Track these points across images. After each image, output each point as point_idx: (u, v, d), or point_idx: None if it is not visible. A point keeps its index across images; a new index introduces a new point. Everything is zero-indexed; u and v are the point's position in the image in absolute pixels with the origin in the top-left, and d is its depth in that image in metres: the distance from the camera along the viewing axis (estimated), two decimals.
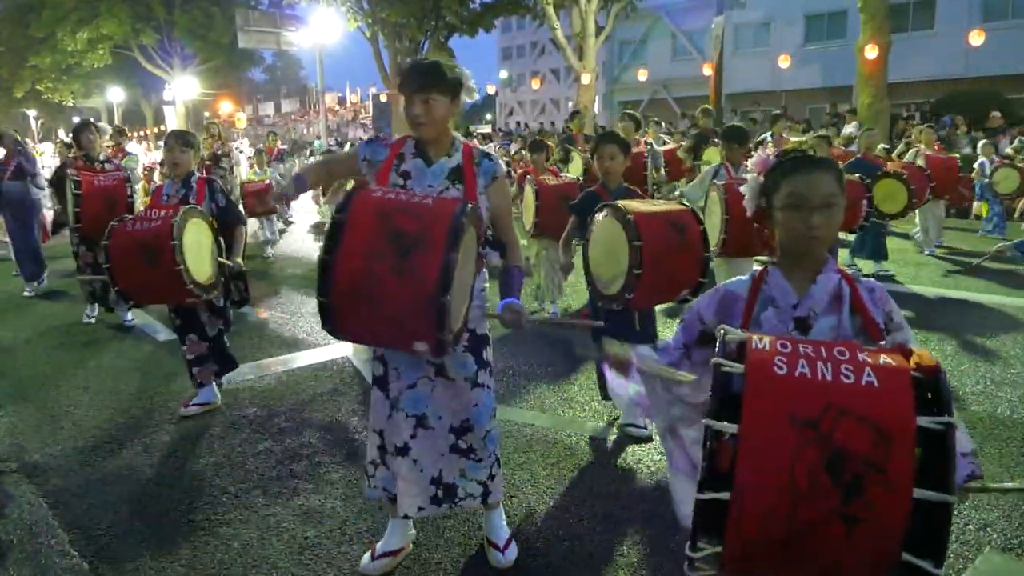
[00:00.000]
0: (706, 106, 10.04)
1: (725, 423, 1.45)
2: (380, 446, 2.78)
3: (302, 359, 5.68)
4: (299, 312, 7.22)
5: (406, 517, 2.80)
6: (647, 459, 3.84)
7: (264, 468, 3.82)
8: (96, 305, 6.84)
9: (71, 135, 7.33)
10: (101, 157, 6.90)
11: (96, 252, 6.10)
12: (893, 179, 7.82)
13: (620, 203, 3.63)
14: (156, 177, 13.72)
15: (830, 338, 1.84)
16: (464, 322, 2.49)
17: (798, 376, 1.48)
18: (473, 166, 2.67)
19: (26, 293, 8.17)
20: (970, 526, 3.18)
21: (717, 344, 1.63)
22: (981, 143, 11.75)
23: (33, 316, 7.41)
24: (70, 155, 7.10)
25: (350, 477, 3.68)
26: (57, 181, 6.88)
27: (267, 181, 10.57)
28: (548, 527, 3.19)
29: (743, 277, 2.01)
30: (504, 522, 3.01)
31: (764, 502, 1.39)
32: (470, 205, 2.34)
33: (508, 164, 14.77)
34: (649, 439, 4.02)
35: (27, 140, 8.61)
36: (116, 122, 36.54)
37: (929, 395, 1.45)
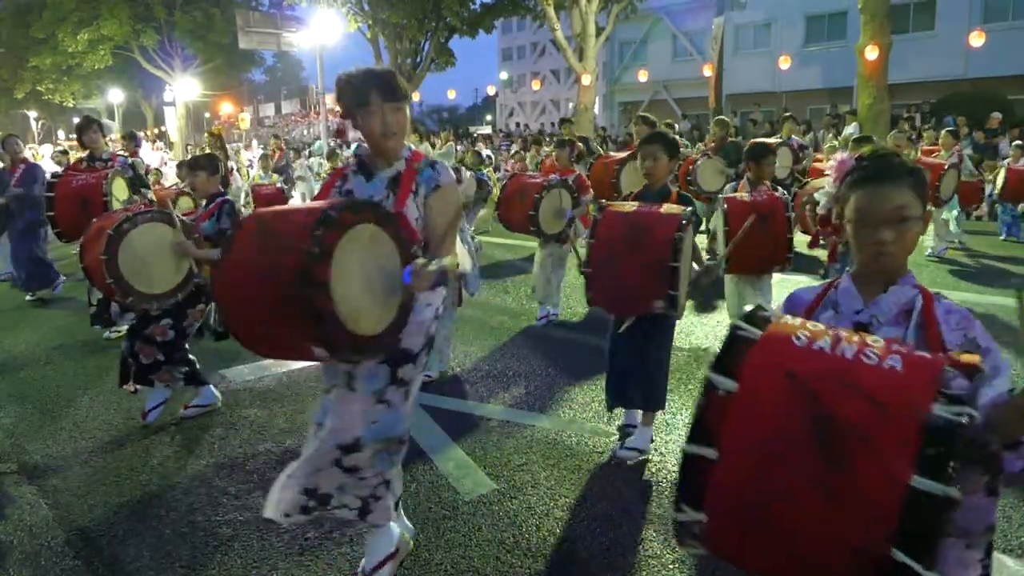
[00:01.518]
0: (722, 116, 9.92)
1: (722, 378, 1.37)
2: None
3: (303, 360, 5.66)
4: None
5: (269, 521, 2.58)
6: (647, 460, 3.83)
7: (264, 469, 3.82)
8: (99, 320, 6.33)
9: (75, 134, 7.00)
10: (105, 156, 6.60)
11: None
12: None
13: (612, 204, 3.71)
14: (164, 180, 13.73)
15: None
16: (389, 331, 2.35)
17: (815, 349, 1.39)
18: (414, 175, 2.54)
19: (28, 297, 8.08)
20: None
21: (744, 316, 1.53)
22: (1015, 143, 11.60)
23: (33, 319, 7.41)
24: (70, 157, 6.84)
25: None
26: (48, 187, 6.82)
27: (277, 185, 10.62)
28: (548, 528, 3.19)
29: (814, 284, 1.91)
30: (381, 547, 2.76)
31: (741, 459, 1.31)
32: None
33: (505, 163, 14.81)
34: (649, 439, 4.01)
35: (26, 145, 8.47)
36: (116, 122, 36.60)
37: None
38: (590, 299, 3.62)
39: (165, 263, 4.15)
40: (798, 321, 1.50)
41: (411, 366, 2.60)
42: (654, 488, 3.53)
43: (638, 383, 3.75)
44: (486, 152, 14.75)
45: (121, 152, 7.91)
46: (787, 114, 10.56)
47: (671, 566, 2.92)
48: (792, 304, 1.89)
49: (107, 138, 7.56)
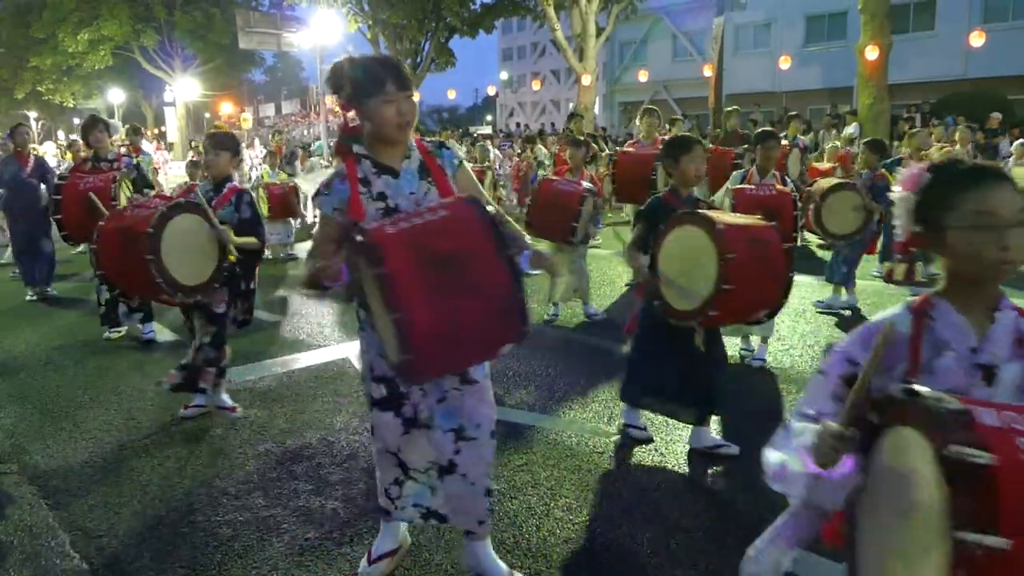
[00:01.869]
0: (734, 107, 9.84)
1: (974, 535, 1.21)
2: (399, 464, 2.69)
3: (303, 360, 5.68)
4: (300, 313, 7.22)
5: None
6: (648, 460, 3.83)
7: (264, 469, 3.82)
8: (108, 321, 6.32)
9: (79, 133, 6.79)
10: (110, 156, 6.43)
11: None
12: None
13: (705, 212, 3.45)
14: (162, 178, 13.71)
15: (1012, 392, 1.57)
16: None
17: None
18: (436, 160, 2.54)
19: (29, 297, 8.05)
20: None
21: (925, 409, 1.35)
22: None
23: (33, 319, 7.41)
24: (76, 156, 6.70)
25: (350, 479, 3.68)
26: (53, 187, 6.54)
27: (290, 183, 10.60)
28: (548, 528, 3.19)
29: (896, 309, 1.70)
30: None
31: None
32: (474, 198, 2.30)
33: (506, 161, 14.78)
34: (649, 440, 4.01)
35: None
36: (118, 122, 36.54)
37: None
38: (713, 317, 3.35)
39: (200, 254, 4.15)
40: (992, 414, 1.31)
41: None
42: (654, 488, 3.53)
43: (709, 391, 3.80)
44: (494, 151, 14.65)
45: (125, 152, 7.82)
46: (792, 114, 10.50)
47: (672, 567, 2.92)
48: (892, 341, 1.61)
49: (113, 138, 7.46)
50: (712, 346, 3.72)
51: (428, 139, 2.68)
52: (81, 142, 7.16)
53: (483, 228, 2.14)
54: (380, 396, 2.61)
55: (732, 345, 5.23)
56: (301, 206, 11.44)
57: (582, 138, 7.91)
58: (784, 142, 8.57)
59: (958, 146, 9.81)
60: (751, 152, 5.79)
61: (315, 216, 14.42)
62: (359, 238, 2.13)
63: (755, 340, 5.38)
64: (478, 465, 2.62)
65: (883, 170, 6.77)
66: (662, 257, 3.52)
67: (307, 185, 13.41)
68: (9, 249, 9.55)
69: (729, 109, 9.74)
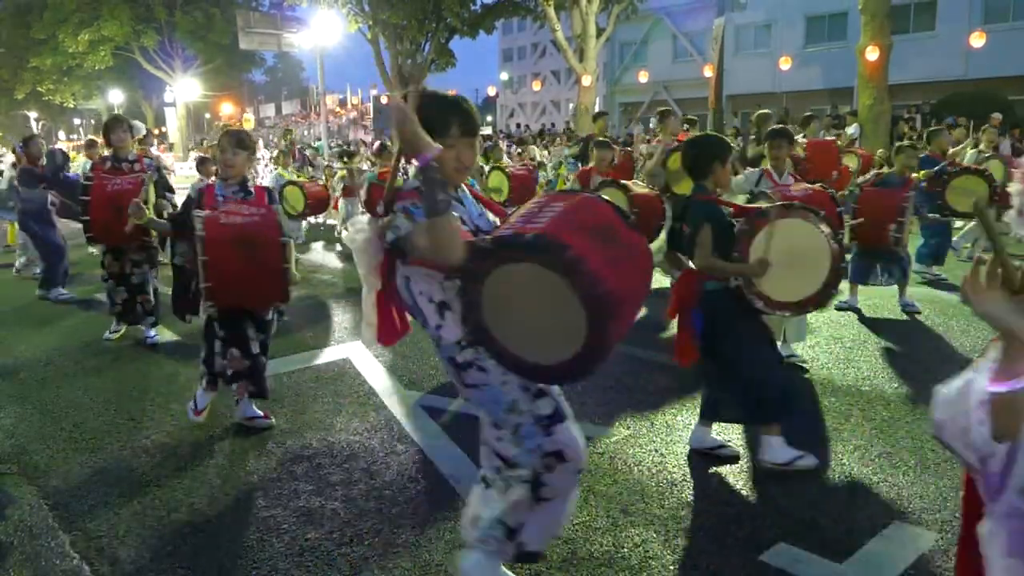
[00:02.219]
0: (765, 111, 9.62)
1: None
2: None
3: (303, 361, 5.68)
4: (301, 314, 7.21)
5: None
6: (648, 460, 3.83)
7: (265, 470, 3.82)
8: (118, 321, 6.28)
9: (101, 132, 6.49)
10: (130, 157, 6.17)
11: (123, 262, 5.91)
12: (974, 175, 7.38)
13: (795, 203, 3.71)
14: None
15: None
16: None
17: None
18: (471, 187, 2.59)
19: (59, 297, 8.05)
20: (880, 497, 3.22)
21: None
22: None
23: (34, 319, 7.42)
24: (98, 156, 6.42)
25: (350, 479, 3.68)
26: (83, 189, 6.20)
27: (319, 182, 10.85)
28: None
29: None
30: None
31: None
32: None
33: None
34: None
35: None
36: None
37: None
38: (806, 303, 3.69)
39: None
40: None
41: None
42: (654, 489, 3.53)
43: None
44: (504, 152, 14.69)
45: (147, 155, 7.71)
46: (807, 115, 10.40)
47: (672, 567, 2.92)
48: None
49: (135, 139, 7.31)
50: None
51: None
52: (101, 141, 6.97)
53: (603, 203, 2.28)
54: (552, 410, 2.45)
55: None
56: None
57: (605, 139, 7.85)
58: (803, 139, 8.47)
59: (982, 145, 9.74)
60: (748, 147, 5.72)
61: (334, 217, 14.41)
62: (503, 240, 2.10)
63: (793, 345, 5.30)
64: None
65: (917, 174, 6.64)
66: (766, 250, 3.50)
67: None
68: (23, 257, 9.63)
69: (762, 112, 9.52)
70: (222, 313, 4.09)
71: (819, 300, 3.63)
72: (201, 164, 10.06)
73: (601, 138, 8.04)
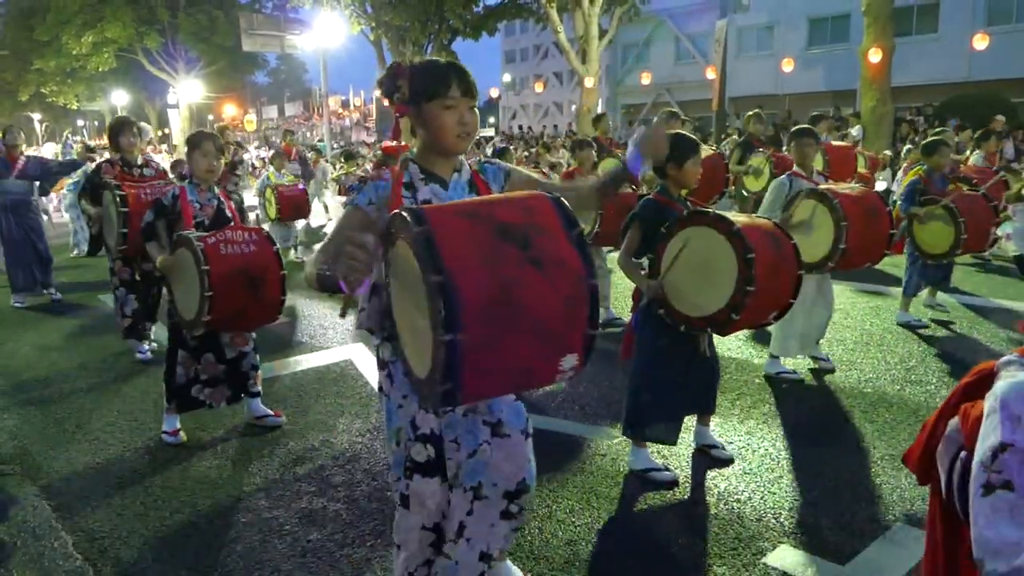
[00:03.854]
0: (757, 111, 9.57)
1: None
2: (435, 541, 2.35)
3: (305, 362, 5.68)
4: (302, 315, 7.22)
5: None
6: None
7: (267, 471, 3.82)
8: (139, 339, 5.90)
9: (107, 134, 6.14)
10: (139, 161, 5.94)
11: (134, 269, 5.62)
12: (964, 183, 7.01)
13: (719, 212, 3.31)
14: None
15: None
16: None
17: None
18: (481, 177, 2.31)
19: (15, 304, 7.90)
20: (883, 500, 3.18)
21: None
22: None
23: (37, 322, 7.43)
24: (104, 160, 5.85)
25: (353, 480, 3.69)
26: (92, 189, 5.81)
27: (299, 185, 10.31)
28: (550, 530, 3.18)
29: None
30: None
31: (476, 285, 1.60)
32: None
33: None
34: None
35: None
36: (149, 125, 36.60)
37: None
38: (734, 322, 3.24)
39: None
40: None
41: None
42: (656, 491, 3.52)
43: (712, 390, 3.76)
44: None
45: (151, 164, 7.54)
46: (815, 113, 10.33)
47: (674, 569, 2.92)
48: None
49: (144, 142, 7.07)
50: (712, 349, 3.68)
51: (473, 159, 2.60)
52: (107, 143, 6.54)
53: (549, 202, 1.85)
54: (424, 459, 2.26)
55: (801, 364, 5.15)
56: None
57: (584, 138, 7.88)
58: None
59: (981, 151, 9.65)
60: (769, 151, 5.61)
61: (328, 219, 14.42)
62: (397, 212, 1.82)
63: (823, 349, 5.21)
64: (481, 527, 2.31)
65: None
66: (669, 262, 3.34)
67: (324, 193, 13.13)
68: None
69: (751, 112, 9.49)
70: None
71: (718, 320, 3.25)
72: (176, 167, 9.93)
73: (581, 137, 8.01)
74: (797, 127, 5.42)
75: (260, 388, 4.41)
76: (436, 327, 1.63)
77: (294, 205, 10.05)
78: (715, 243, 3.20)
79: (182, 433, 4.23)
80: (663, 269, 3.38)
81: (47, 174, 8.03)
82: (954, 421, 1.58)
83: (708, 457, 3.82)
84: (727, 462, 3.78)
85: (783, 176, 5.00)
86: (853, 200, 4.64)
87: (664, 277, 3.37)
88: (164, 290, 4.13)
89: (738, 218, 3.30)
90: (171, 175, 7.88)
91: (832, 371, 5.10)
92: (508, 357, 1.72)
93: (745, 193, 8.81)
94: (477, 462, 2.28)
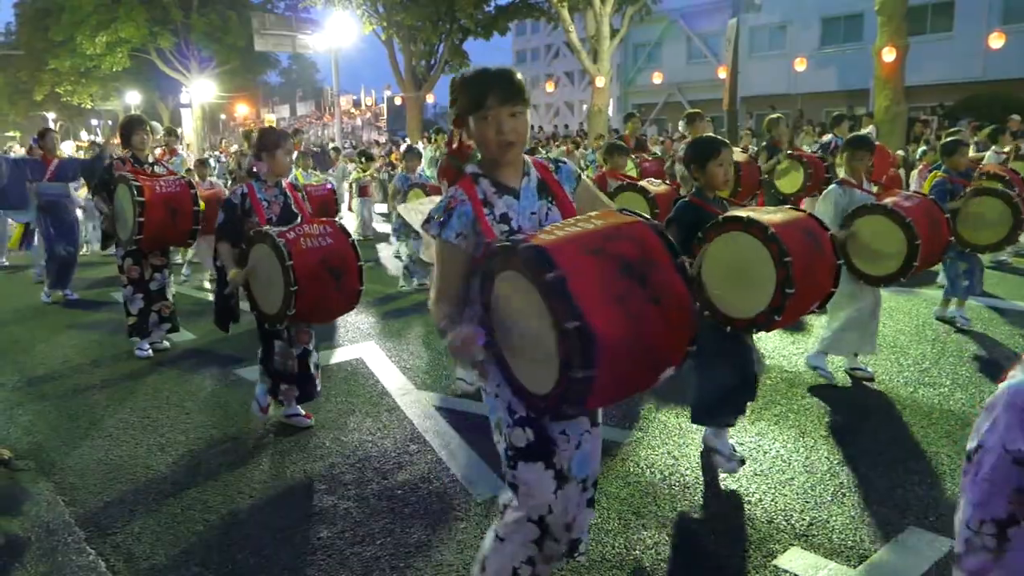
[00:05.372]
0: (778, 115, 9.47)
1: None
2: (541, 536, 2.20)
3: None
4: None
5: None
6: (659, 463, 3.82)
7: (278, 468, 3.84)
8: (142, 338, 5.91)
9: (119, 132, 6.12)
10: (150, 159, 5.93)
11: (143, 267, 5.66)
12: (994, 180, 6.90)
13: (748, 214, 3.30)
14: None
15: None
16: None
17: None
18: (553, 176, 2.25)
19: (44, 299, 8.11)
20: (894, 503, 3.18)
21: None
22: None
23: (52, 319, 7.50)
24: (116, 157, 5.85)
25: (363, 478, 3.70)
26: (103, 186, 5.76)
27: (327, 185, 9.96)
28: None
29: None
30: None
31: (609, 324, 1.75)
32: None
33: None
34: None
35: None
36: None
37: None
38: (777, 322, 3.31)
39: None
40: None
41: None
42: (666, 492, 3.52)
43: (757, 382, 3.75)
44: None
45: (163, 161, 7.49)
46: (837, 114, 10.23)
47: (684, 570, 2.91)
48: None
49: (155, 139, 7.07)
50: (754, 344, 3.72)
51: (543, 156, 2.52)
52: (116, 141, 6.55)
53: (656, 235, 1.97)
54: (524, 444, 2.16)
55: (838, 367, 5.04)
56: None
57: (620, 143, 7.86)
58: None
59: (995, 147, 9.55)
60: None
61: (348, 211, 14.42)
62: (506, 245, 1.92)
63: (860, 357, 5.07)
64: (583, 521, 2.35)
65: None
66: (708, 267, 3.36)
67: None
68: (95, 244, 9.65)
69: (773, 116, 9.35)
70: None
71: (760, 322, 3.31)
72: (201, 166, 9.96)
73: (618, 142, 8.00)
74: (854, 136, 5.28)
75: (320, 388, 4.40)
76: (571, 366, 1.76)
77: (322, 204, 9.90)
78: (752, 248, 3.24)
79: (270, 410, 4.36)
80: (702, 273, 3.37)
81: (84, 171, 8.18)
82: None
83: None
84: (752, 461, 3.76)
85: (836, 186, 4.90)
86: (921, 213, 4.64)
87: (701, 282, 3.37)
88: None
89: (772, 218, 3.30)
90: (188, 173, 7.96)
91: (871, 379, 4.96)
92: (624, 379, 1.93)
93: (779, 196, 8.69)
94: (583, 453, 2.29)
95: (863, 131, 16.37)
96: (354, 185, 13.23)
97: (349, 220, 13.65)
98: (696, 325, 1.93)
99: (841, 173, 5.15)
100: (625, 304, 1.81)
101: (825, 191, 5.07)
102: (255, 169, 4.35)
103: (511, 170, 2.18)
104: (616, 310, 1.79)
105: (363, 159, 12.97)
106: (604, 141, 11.97)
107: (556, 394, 1.86)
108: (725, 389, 3.60)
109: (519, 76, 2.13)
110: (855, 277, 4.74)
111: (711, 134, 3.68)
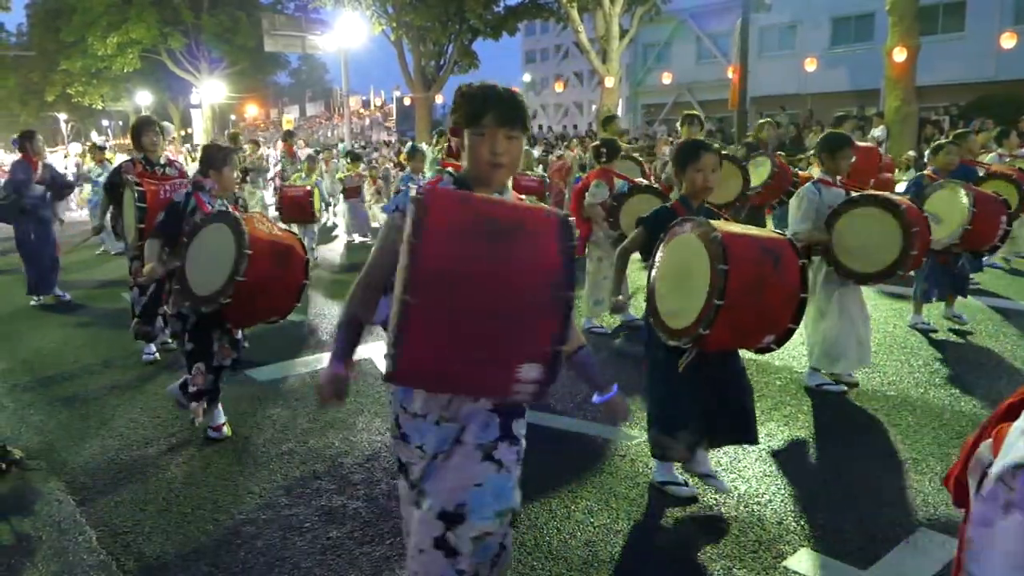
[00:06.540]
0: (769, 119, 9.41)
1: None
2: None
3: (324, 360, 5.68)
4: (322, 314, 7.27)
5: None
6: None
7: (287, 468, 3.85)
8: (146, 342, 5.89)
9: (130, 134, 6.07)
10: (162, 160, 5.85)
11: None
12: (1001, 180, 6.98)
13: (702, 219, 3.13)
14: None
15: None
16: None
17: None
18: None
19: (33, 303, 8.07)
20: (905, 504, 3.13)
21: None
22: None
23: (61, 319, 7.54)
24: (127, 159, 5.83)
25: (372, 478, 3.70)
26: (112, 187, 5.82)
27: (308, 188, 9.69)
28: (568, 530, 3.18)
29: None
30: None
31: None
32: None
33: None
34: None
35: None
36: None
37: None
38: (705, 337, 2.96)
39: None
40: None
41: (523, 423, 2.22)
42: (675, 494, 3.51)
43: (745, 415, 3.34)
44: (536, 152, 14.58)
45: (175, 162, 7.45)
46: (840, 113, 10.14)
47: (693, 571, 2.90)
48: None
49: (167, 141, 6.98)
50: (723, 367, 3.30)
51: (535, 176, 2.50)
52: (130, 143, 6.45)
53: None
54: (401, 460, 2.18)
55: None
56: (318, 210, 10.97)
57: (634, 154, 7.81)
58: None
59: (1001, 149, 9.46)
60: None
61: (333, 217, 14.43)
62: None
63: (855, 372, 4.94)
64: (410, 553, 2.10)
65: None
66: (657, 269, 3.23)
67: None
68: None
69: (762, 120, 9.33)
70: (202, 324, 4.07)
71: (690, 334, 3.01)
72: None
73: (635, 154, 7.88)
74: (831, 133, 5.08)
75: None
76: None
77: (295, 206, 9.48)
78: (696, 250, 3.01)
79: (226, 428, 4.33)
80: (650, 276, 3.29)
81: (55, 185, 8.15)
82: (987, 442, 1.55)
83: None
84: (761, 464, 3.75)
85: (811, 185, 4.74)
86: (910, 205, 4.57)
87: (649, 283, 3.29)
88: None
89: (730, 227, 3.08)
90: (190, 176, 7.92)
91: (856, 385, 4.89)
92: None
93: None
94: (430, 466, 2.07)
95: (875, 131, 16.37)
96: (338, 184, 13.10)
97: (338, 223, 13.66)
98: (566, 309, 1.75)
99: (816, 174, 5.03)
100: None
101: (798, 191, 4.89)
102: (204, 184, 4.29)
103: (489, 190, 2.07)
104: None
105: (350, 159, 12.87)
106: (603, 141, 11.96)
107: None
108: (674, 415, 3.30)
109: (523, 101, 2.07)
110: (844, 278, 4.58)
111: (698, 138, 3.60)
